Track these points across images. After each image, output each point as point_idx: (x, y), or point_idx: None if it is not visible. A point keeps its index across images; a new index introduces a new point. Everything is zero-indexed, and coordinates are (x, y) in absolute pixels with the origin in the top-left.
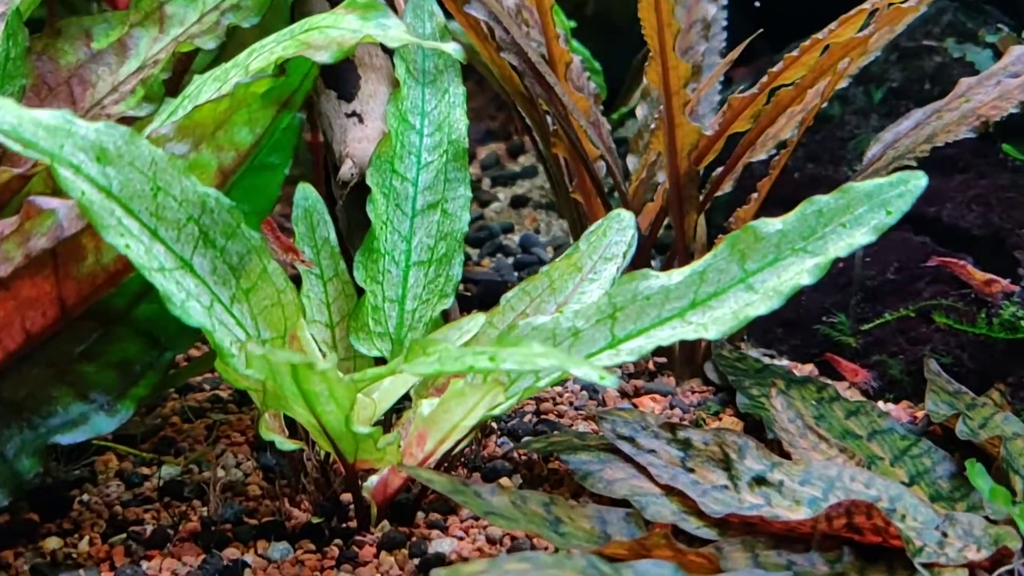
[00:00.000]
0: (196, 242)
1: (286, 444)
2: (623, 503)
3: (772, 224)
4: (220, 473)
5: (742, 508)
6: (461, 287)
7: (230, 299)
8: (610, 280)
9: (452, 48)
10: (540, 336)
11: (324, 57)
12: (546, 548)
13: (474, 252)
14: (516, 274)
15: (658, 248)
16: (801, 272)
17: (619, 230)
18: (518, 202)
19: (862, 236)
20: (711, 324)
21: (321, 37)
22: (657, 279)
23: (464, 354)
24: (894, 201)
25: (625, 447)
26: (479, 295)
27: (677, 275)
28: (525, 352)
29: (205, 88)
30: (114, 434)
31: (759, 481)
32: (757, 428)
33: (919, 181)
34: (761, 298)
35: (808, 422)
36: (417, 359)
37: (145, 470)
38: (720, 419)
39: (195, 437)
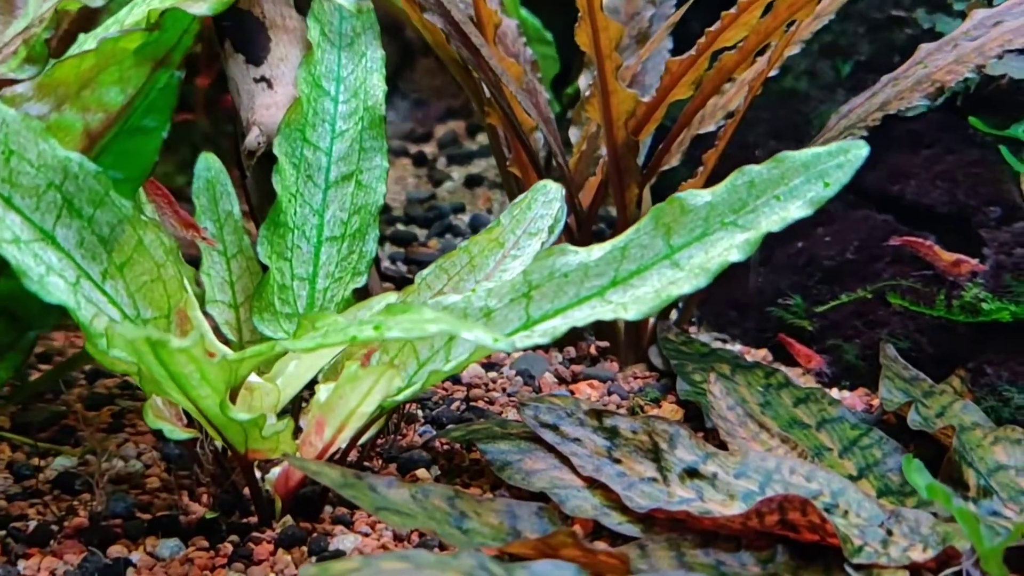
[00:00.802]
0: (59, 211)
1: (176, 432)
2: (542, 497)
3: (700, 196)
4: (118, 464)
5: (670, 503)
6: (405, 268)
7: (101, 274)
8: (534, 256)
9: (348, 2)
10: (451, 316)
11: (202, 8)
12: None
13: (422, 232)
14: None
15: (610, 225)
16: (730, 248)
17: (545, 203)
18: (472, 181)
19: (797, 209)
20: (631, 304)
21: None
22: (576, 255)
23: (348, 325)
24: (832, 172)
25: (547, 435)
26: None
27: (597, 251)
28: (412, 318)
29: (87, 47)
30: (12, 422)
31: (691, 473)
32: (699, 417)
33: (860, 151)
34: (687, 276)
35: (749, 409)
36: (301, 335)
37: (39, 461)
38: (660, 407)
39: (98, 425)
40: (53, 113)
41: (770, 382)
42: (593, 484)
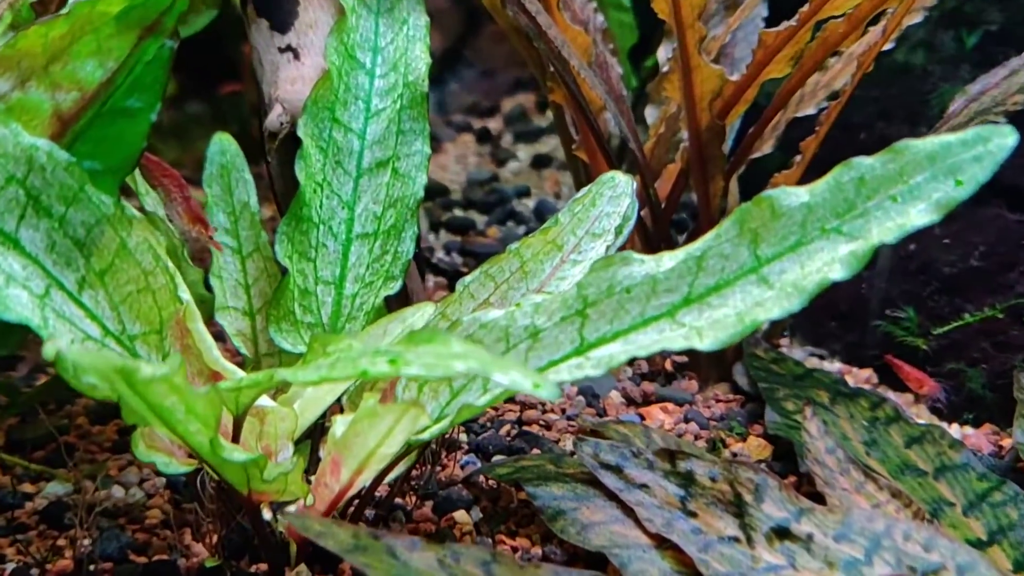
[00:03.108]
0: (23, 210)
1: (173, 465)
2: (600, 557)
3: (795, 195)
4: (116, 492)
5: (755, 570)
6: (460, 261)
7: (77, 284)
8: (591, 266)
9: None
10: (490, 336)
11: None
12: None
13: (482, 219)
14: None
15: (693, 216)
16: (832, 262)
17: (612, 198)
18: (540, 162)
19: (919, 214)
20: (707, 329)
21: None
22: (641, 265)
23: (362, 354)
24: (967, 167)
25: (609, 479)
26: None
27: (668, 260)
28: (436, 352)
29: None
30: (6, 438)
31: (780, 534)
32: (790, 454)
33: (1004, 140)
34: (777, 296)
35: (852, 451)
36: (310, 361)
37: (29, 487)
38: (745, 441)
39: (100, 443)
40: (15, 92)
41: (877, 415)
42: (662, 543)
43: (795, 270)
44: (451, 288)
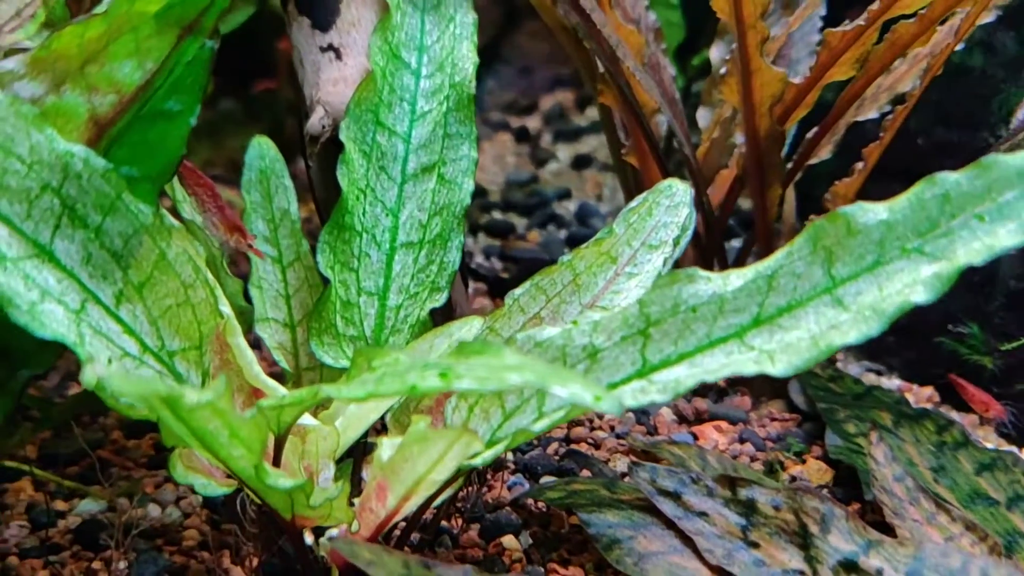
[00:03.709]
0: (58, 220)
1: (212, 487)
2: None
3: (873, 211)
4: (153, 511)
5: None
6: (500, 266)
7: (115, 297)
8: (655, 277)
9: None
10: (546, 355)
11: None
12: None
13: (521, 222)
14: (567, 251)
15: (743, 223)
16: (913, 284)
17: (669, 208)
18: (580, 162)
19: (1008, 235)
20: (779, 352)
21: None
22: (708, 283)
23: (410, 368)
24: None
25: (667, 507)
26: (518, 277)
27: (736, 278)
28: (490, 364)
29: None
30: (39, 453)
31: (848, 567)
32: (852, 479)
33: None
34: (853, 319)
35: (920, 478)
36: (355, 376)
37: (62, 504)
38: (804, 463)
39: (136, 459)
40: (50, 95)
41: (944, 439)
42: (722, 575)
43: (873, 291)
44: (491, 294)
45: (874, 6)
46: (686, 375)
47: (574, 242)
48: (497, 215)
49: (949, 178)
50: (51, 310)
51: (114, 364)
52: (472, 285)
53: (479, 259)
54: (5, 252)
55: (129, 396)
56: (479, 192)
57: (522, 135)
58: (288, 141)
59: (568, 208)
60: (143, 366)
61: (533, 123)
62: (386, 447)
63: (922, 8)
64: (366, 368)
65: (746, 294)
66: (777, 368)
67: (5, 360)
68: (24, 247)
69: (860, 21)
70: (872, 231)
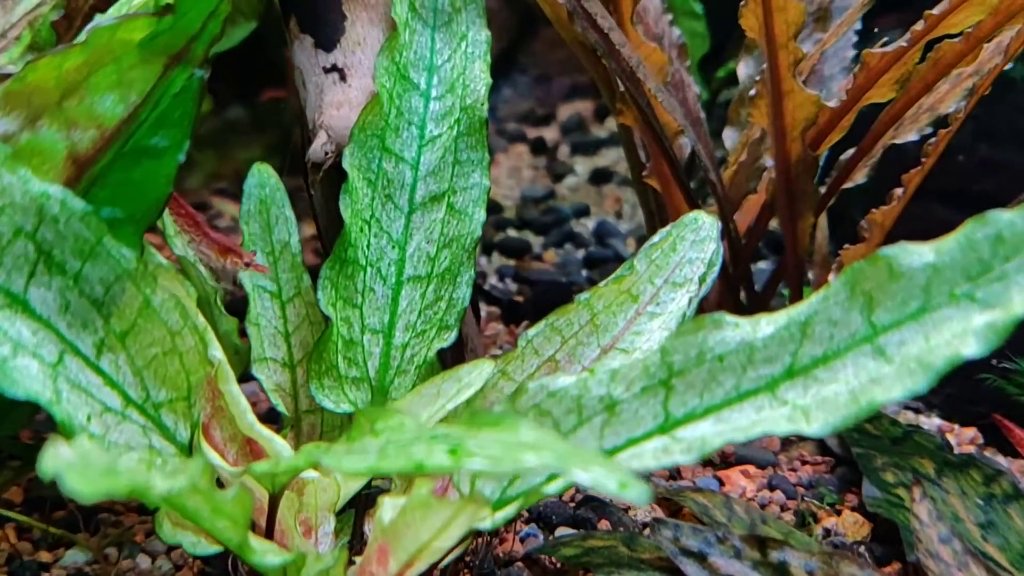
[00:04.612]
0: (32, 267)
1: (201, 545)
2: None
3: (918, 253)
4: (142, 562)
5: None
6: (514, 288)
7: (95, 347)
8: (679, 317)
9: None
10: (560, 407)
11: None
12: None
13: (537, 240)
14: (585, 273)
15: (771, 244)
16: (964, 334)
17: (695, 243)
18: (599, 177)
19: None
20: (815, 409)
21: None
22: (736, 329)
23: (416, 439)
24: None
25: (691, 569)
26: (533, 301)
27: (767, 325)
28: (503, 440)
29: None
30: (24, 496)
31: None
32: (891, 533)
33: None
34: (897, 372)
35: (967, 536)
36: (356, 439)
37: (46, 555)
38: (839, 515)
39: (126, 502)
40: (25, 132)
41: (992, 491)
42: None
43: (918, 342)
44: (504, 319)
45: (918, 26)
46: (712, 433)
47: (592, 263)
48: (512, 233)
49: (1002, 217)
50: (25, 365)
51: (93, 422)
52: (485, 309)
53: (493, 280)
54: None
55: (89, 496)
56: (493, 208)
57: (539, 147)
58: (296, 153)
59: (586, 226)
60: (125, 421)
61: (550, 134)
62: (387, 508)
63: (969, 27)
64: (368, 431)
65: (778, 342)
66: (812, 427)
67: None
68: None
69: (902, 42)
70: (917, 275)
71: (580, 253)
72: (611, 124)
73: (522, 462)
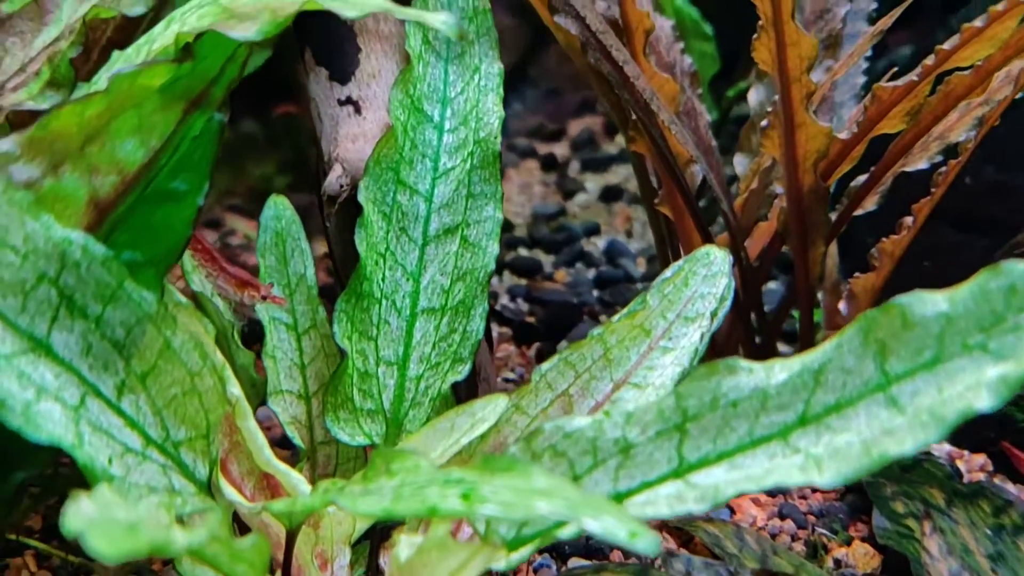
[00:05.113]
0: (55, 312)
1: None
2: None
3: (931, 303)
4: None
5: None
6: (526, 308)
7: (116, 389)
8: (691, 352)
9: (440, 20)
10: (575, 448)
11: (249, 32)
12: None
13: (548, 259)
14: (596, 294)
15: (779, 264)
16: (976, 386)
17: (707, 277)
18: (609, 194)
19: None
20: (827, 459)
21: (251, 1)
22: (749, 375)
23: (430, 482)
24: None
25: None
26: (545, 322)
27: (780, 371)
28: (516, 486)
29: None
30: (43, 522)
31: None
32: (901, 565)
33: None
34: (909, 423)
35: (977, 568)
36: (371, 479)
37: None
38: (850, 546)
39: None
40: (47, 178)
41: (1002, 522)
42: None
43: (931, 393)
44: (516, 340)
45: (929, 60)
46: (726, 481)
47: (603, 283)
48: (523, 252)
49: (1015, 268)
50: (48, 410)
51: (114, 463)
52: (497, 329)
53: (504, 300)
54: None
55: (112, 557)
56: (505, 226)
57: (549, 163)
58: (311, 170)
59: (597, 245)
60: (146, 461)
61: (560, 150)
62: (404, 546)
63: (979, 60)
64: (384, 471)
65: (791, 389)
66: (824, 477)
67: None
68: (19, 342)
69: (913, 76)
70: (931, 324)
71: (591, 273)
72: (621, 140)
73: (534, 508)
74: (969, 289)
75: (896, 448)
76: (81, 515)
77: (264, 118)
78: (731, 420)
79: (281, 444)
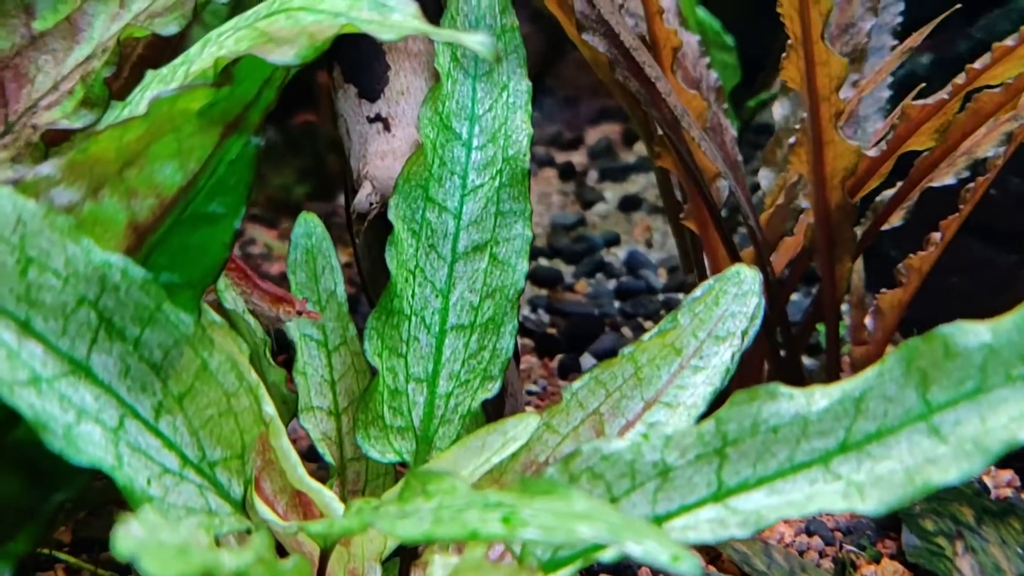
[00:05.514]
0: (95, 334)
1: None
2: None
3: (974, 333)
4: None
5: None
6: (547, 319)
7: (154, 410)
8: (722, 371)
9: (477, 41)
10: (613, 471)
11: (286, 56)
12: None
13: (568, 270)
14: (617, 305)
15: (804, 277)
16: (1020, 418)
17: (737, 296)
18: (628, 204)
19: None
20: (870, 486)
21: (288, 25)
22: (790, 402)
23: (469, 505)
24: None
25: None
26: (567, 334)
27: (821, 398)
28: (557, 509)
29: (153, 90)
30: (73, 536)
31: None
32: None
33: None
34: (952, 452)
35: None
36: (408, 500)
37: None
38: (879, 563)
39: None
40: (88, 202)
41: None
42: None
43: (974, 422)
44: (538, 352)
45: (959, 79)
46: (768, 507)
47: (624, 295)
48: (544, 262)
49: None
50: (88, 432)
51: (153, 485)
52: (519, 340)
53: (526, 311)
54: (40, 372)
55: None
56: None
57: (567, 172)
58: (330, 178)
59: (617, 255)
60: (183, 482)
61: (579, 159)
62: (438, 567)
63: (1010, 78)
64: (420, 492)
65: (832, 416)
66: (867, 504)
67: (37, 483)
68: (60, 365)
69: (943, 94)
70: (973, 354)
71: (612, 284)
72: (640, 149)
73: (575, 532)
74: (1013, 320)
75: (940, 476)
76: (131, 538)
77: (284, 126)
78: (771, 446)
79: (307, 457)
